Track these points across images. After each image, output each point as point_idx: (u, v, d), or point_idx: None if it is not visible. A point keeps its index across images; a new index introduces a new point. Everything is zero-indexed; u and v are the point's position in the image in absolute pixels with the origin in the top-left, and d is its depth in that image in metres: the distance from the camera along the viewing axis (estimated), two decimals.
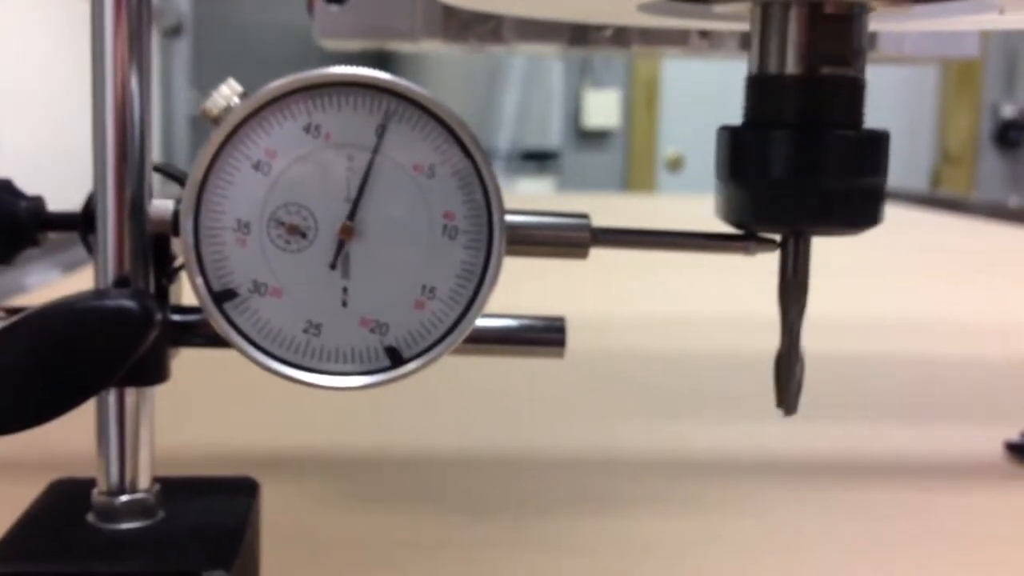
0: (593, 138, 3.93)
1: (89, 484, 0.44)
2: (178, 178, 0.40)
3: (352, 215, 0.35)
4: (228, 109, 0.35)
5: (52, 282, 1.24)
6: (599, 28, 0.58)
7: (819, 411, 0.40)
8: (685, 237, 0.38)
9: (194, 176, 0.35)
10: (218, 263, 0.35)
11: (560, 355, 0.42)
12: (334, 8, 0.58)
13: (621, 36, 0.58)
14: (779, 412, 0.39)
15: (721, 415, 0.70)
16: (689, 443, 0.63)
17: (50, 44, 1.60)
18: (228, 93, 0.35)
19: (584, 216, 0.38)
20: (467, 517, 0.51)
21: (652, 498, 0.54)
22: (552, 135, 3.78)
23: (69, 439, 0.45)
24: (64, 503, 0.42)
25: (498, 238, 0.35)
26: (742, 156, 0.37)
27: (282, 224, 0.35)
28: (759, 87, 0.38)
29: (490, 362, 0.42)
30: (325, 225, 0.35)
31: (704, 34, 0.59)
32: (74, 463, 0.47)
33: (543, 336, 0.42)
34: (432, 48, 0.61)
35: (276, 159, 0.35)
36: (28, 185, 0.41)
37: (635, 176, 3.95)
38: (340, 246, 0.35)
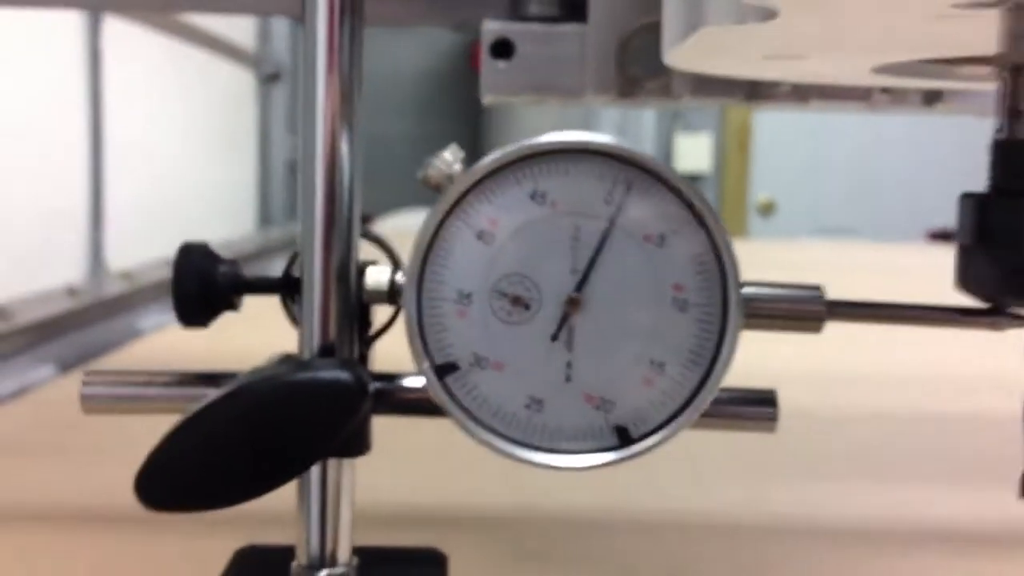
0: None
1: (276, 552, 0.43)
2: (385, 246, 0.39)
3: (579, 287, 0.34)
4: (450, 177, 0.34)
5: (166, 326, 1.25)
6: (776, 83, 0.56)
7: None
8: (927, 311, 0.36)
9: (418, 245, 0.34)
10: (439, 334, 0.34)
11: (771, 429, 0.40)
12: (502, 64, 0.57)
13: (800, 91, 0.56)
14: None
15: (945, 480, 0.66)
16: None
17: (159, 100, 1.64)
18: (450, 160, 0.34)
19: (816, 288, 0.36)
20: None
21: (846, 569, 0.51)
22: None
23: None
24: (256, 575, 0.41)
25: (734, 312, 0.33)
26: (991, 227, 0.35)
27: (505, 295, 0.34)
28: (1009, 153, 0.35)
29: None
30: (549, 297, 0.34)
31: (886, 90, 0.57)
32: (242, 518, 0.46)
33: (753, 410, 0.40)
34: (596, 103, 0.59)
35: (499, 227, 0.34)
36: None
37: (726, 220, 3.87)
38: (564, 318, 0.34)
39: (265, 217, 2.57)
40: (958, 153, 3.25)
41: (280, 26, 2.72)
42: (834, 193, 3.35)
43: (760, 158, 3.73)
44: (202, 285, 0.39)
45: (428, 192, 0.34)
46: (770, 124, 3.57)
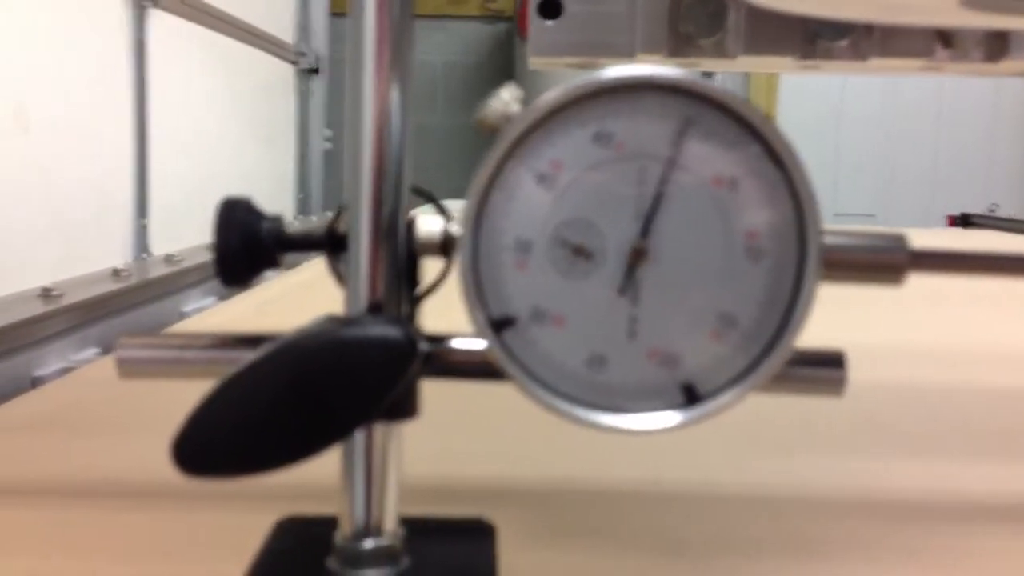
0: None
1: (318, 523, 0.41)
2: (434, 200, 0.37)
3: (644, 234, 0.31)
4: (508, 117, 0.32)
5: (209, 308, 1.25)
6: (834, 38, 0.53)
7: None
8: (1017, 262, 0.33)
9: (475, 191, 0.31)
10: (496, 287, 0.32)
11: (839, 393, 0.37)
12: (550, 24, 0.55)
13: (858, 47, 0.54)
14: None
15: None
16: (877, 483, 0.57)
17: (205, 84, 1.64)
18: (507, 99, 0.32)
19: (900, 236, 0.33)
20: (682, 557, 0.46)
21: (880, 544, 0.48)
22: None
23: None
24: (298, 546, 0.39)
25: (812, 261, 0.31)
26: None
27: (566, 244, 0.32)
28: None
29: None
30: (613, 246, 0.31)
31: (947, 44, 0.54)
32: (284, 489, 0.44)
33: (821, 372, 0.37)
34: (647, 63, 0.57)
35: (562, 172, 0.31)
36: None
37: None
38: (629, 269, 0.32)
39: (304, 207, 2.57)
40: (977, 139, 3.21)
41: (319, 20, 2.72)
42: (853, 179, 3.31)
43: None
44: (245, 240, 0.37)
45: (460, 184, 0.32)
46: (791, 111, 3.53)
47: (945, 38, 0.53)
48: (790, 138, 0.32)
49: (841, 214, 3.21)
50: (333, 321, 0.34)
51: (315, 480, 0.40)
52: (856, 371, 0.38)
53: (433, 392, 0.38)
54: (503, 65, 3.19)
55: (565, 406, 0.32)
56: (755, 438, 0.65)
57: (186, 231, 1.44)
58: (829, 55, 0.55)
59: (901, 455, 0.63)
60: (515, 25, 3.06)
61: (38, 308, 0.92)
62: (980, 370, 0.88)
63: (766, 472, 0.59)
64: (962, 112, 3.23)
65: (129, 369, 0.39)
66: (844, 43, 0.54)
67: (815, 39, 0.54)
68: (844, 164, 3.30)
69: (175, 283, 1.26)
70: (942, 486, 0.57)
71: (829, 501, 0.55)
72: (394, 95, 0.35)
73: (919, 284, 0.37)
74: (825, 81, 3.19)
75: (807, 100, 3.30)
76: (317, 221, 2.36)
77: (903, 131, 3.26)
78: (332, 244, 0.37)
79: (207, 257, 1.05)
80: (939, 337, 1.03)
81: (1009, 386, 0.82)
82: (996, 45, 0.54)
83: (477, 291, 0.32)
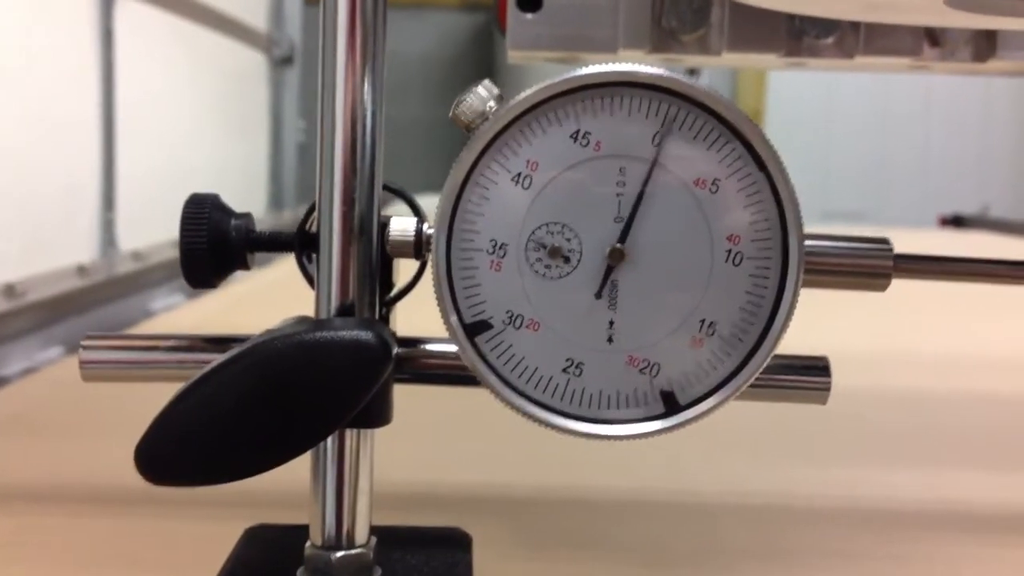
0: None
1: (288, 532, 0.40)
2: (408, 198, 0.36)
3: (623, 237, 0.30)
4: (484, 115, 0.31)
5: (177, 306, 1.23)
6: (820, 35, 0.53)
7: None
8: (1004, 266, 0.33)
9: (448, 191, 0.30)
10: (470, 290, 0.31)
11: (823, 400, 0.37)
12: (530, 17, 0.53)
13: (844, 45, 0.53)
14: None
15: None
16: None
17: (169, 77, 1.61)
18: (484, 95, 0.31)
19: (884, 241, 0.32)
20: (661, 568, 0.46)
21: (862, 554, 0.48)
22: None
23: None
24: (267, 555, 0.38)
25: (795, 266, 0.30)
26: None
27: (543, 246, 0.31)
28: None
29: None
30: (591, 248, 0.31)
31: (935, 42, 0.53)
32: (253, 496, 0.43)
33: (805, 379, 0.37)
34: (629, 59, 0.56)
35: (538, 171, 0.30)
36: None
37: None
38: (607, 273, 0.31)
39: (277, 201, 2.54)
40: (969, 137, 3.22)
41: (293, 9, 2.68)
42: (843, 177, 3.31)
43: (773, 141, 3.69)
44: (213, 239, 0.36)
45: (434, 179, 0.31)
46: (780, 108, 3.53)
47: (933, 37, 0.53)
48: (778, 135, 0.31)
49: (831, 212, 3.21)
50: (304, 323, 0.33)
51: (286, 487, 0.39)
52: (840, 376, 0.37)
53: (407, 396, 0.37)
54: (481, 57, 3.18)
55: (541, 413, 0.31)
56: (738, 445, 0.64)
57: (154, 225, 1.42)
58: (815, 52, 0.54)
59: (887, 462, 0.63)
60: (494, 15, 3.04)
61: (0, 305, 0.89)
62: (968, 375, 0.88)
63: (750, 480, 0.59)
64: (954, 109, 3.22)
65: (93, 372, 0.38)
66: (830, 40, 0.53)
67: (800, 36, 0.54)
68: (834, 162, 3.30)
69: (142, 280, 1.24)
70: (929, 494, 0.57)
71: (814, 509, 0.54)
72: (367, 89, 0.33)
73: (903, 287, 0.36)
74: (815, 78, 3.19)
75: (797, 97, 3.30)
76: (289, 215, 2.33)
77: (894, 128, 3.24)
78: (302, 244, 0.36)
79: (175, 253, 1.03)
80: (926, 342, 1.03)
81: (997, 392, 0.82)
82: (984, 44, 0.53)
83: (451, 294, 0.31)
